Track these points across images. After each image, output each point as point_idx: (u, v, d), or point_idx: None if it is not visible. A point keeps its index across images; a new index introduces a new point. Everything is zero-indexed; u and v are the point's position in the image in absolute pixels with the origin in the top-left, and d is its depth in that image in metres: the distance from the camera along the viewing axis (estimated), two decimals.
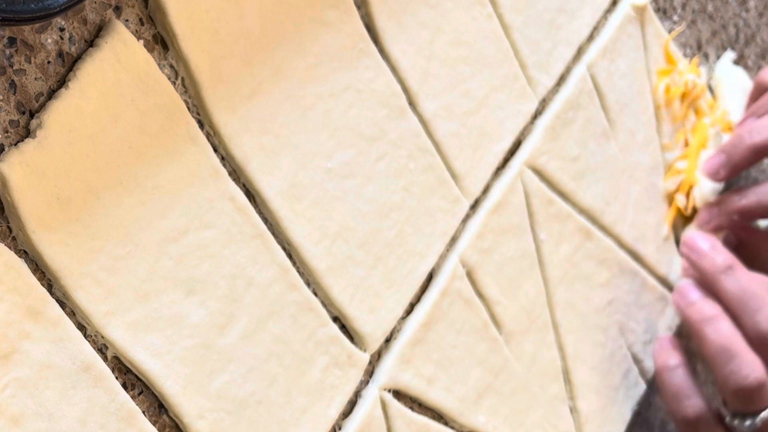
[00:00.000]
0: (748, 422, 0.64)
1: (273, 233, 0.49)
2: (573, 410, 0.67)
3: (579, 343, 0.66)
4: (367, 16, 0.53)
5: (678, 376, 0.67)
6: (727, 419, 0.65)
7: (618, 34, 0.68)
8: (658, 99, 0.72)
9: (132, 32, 0.43)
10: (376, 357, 0.54)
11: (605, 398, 0.69)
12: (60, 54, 0.41)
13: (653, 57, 0.72)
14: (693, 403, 0.66)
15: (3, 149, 0.39)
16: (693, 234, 0.71)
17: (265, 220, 0.49)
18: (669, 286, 0.74)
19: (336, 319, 0.52)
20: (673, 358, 0.68)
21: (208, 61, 0.45)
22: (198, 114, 0.46)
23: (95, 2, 0.42)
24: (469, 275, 0.59)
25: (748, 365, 0.63)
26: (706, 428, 0.66)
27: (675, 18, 0.75)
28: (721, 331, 0.65)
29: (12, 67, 0.39)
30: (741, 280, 0.66)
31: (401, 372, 0.55)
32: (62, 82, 0.41)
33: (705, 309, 0.66)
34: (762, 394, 0.63)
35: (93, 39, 0.42)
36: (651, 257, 0.72)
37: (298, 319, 0.49)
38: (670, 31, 0.74)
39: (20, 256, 0.39)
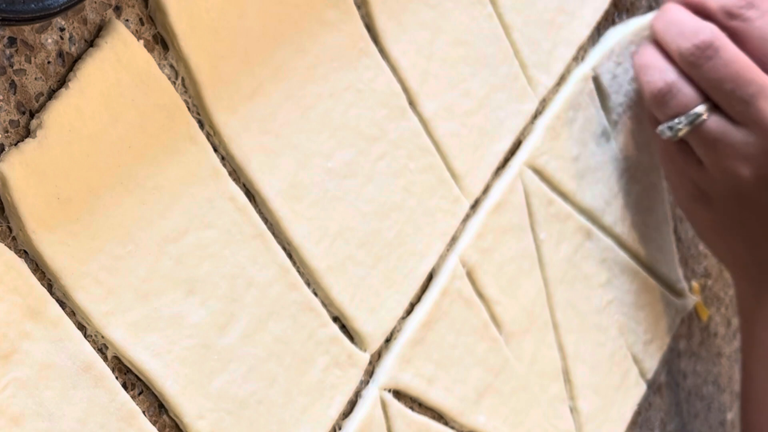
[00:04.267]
0: (666, 126, 0.63)
1: (273, 233, 0.49)
2: (573, 410, 0.67)
3: (579, 343, 0.66)
4: (367, 16, 0.53)
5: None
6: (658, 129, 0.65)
7: (627, 41, 0.68)
8: None
9: (132, 32, 0.43)
10: (376, 357, 0.54)
11: (605, 398, 0.69)
12: (60, 54, 0.41)
13: None
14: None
15: (3, 149, 0.39)
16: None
17: (265, 220, 0.49)
18: (669, 286, 0.75)
19: (336, 319, 0.52)
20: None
21: (208, 61, 0.45)
22: (198, 114, 0.46)
23: (95, 2, 0.42)
24: (469, 275, 0.59)
25: (658, 71, 0.64)
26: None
27: None
28: (645, 52, 0.65)
29: (12, 67, 0.39)
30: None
31: (401, 372, 0.55)
32: (62, 82, 0.41)
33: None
34: (672, 97, 0.63)
35: (93, 39, 0.42)
36: (651, 257, 0.72)
37: (298, 319, 0.49)
38: None
39: (20, 256, 0.39)
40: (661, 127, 0.64)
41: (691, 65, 0.62)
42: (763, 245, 0.66)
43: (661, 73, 0.63)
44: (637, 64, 0.65)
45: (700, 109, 0.62)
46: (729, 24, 0.63)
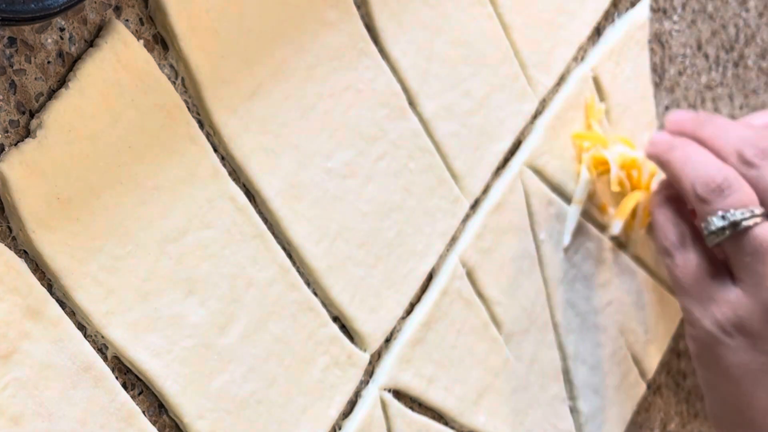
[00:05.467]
0: (714, 218, 0.57)
1: (273, 233, 0.49)
2: (573, 410, 0.67)
3: (579, 343, 0.66)
4: (367, 16, 0.53)
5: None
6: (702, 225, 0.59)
7: (626, 39, 0.69)
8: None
9: (132, 32, 0.43)
10: (376, 357, 0.54)
11: (605, 398, 0.69)
12: (60, 54, 0.41)
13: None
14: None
15: (3, 149, 0.39)
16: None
17: (265, 220, 0.49)
18: (669, 286, 0.74)
19: (336, 319, 0.52)
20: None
21: (208, 61, 0.45)
22: (198, 114, 0.46)
23: (95, 2, 0.42)
24: (469, 275, 0.59)
25: (713, 166, 0.58)
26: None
27: (675, 18, 0.75)
28: (687, 147, 0.60)
29: (12, 67, 0.39)
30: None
31: (401, 372, 0.55)
32: (62, 82, 0.41)
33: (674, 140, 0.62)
34: (731, 190, 0.57)
35: (93, 39, 0.42)
36: (651, 257, 0.72)
37: (298, 319, 0.49)
38: (670, 32, 0.74)
39: (20, 256, 0.39)
40: (711, 217, 0.57)
41: (749, 165, 0.57)
42: None
43: (718, 169, 0.58)
44: (677, 162, 0.60)
45: (758, 210, 0.56)
46: (744, 172, 0.58)
